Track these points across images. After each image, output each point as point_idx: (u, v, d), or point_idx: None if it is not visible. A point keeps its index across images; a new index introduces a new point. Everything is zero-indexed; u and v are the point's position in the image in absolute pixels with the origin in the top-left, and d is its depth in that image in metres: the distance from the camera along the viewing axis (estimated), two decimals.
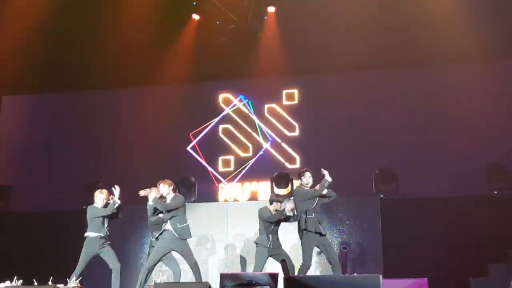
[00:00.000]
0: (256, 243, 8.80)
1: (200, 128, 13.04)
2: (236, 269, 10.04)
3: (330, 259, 8.37)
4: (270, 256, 8.77)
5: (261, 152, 12.67)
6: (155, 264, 8.46)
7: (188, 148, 12.96)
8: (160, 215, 8.50)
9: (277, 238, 8.81)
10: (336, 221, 10.26)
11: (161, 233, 8.38)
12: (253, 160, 12.66)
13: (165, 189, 8.48)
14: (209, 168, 12.79)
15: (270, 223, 8.71)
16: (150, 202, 8.51)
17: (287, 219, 8.75)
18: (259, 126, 12.82)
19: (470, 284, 8.97)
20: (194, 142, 12.97)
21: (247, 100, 13.07)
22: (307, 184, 8.45)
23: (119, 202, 8.51)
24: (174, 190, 8.54)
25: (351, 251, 9.85)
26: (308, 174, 8.49)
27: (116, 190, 8.53)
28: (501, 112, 11.45)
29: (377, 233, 10.01)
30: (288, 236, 9.43)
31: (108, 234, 8.59)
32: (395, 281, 7.84)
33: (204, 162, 12.86)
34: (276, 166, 12.27)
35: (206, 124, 13.07)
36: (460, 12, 10.71)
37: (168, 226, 8.32)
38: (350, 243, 10.00)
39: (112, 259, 8.50)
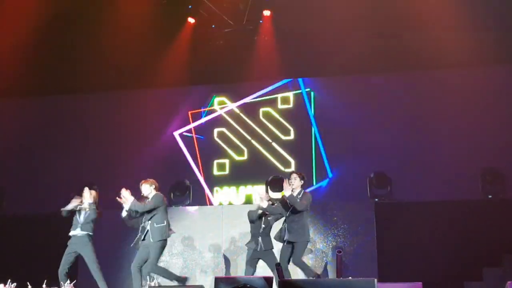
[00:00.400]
0: (247, 246, 8.85)
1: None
2: (231, 272, 10.03)
3: (295, 264, 8.35)
4: (260, 258, 8.79)
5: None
6: (141, 263, 8.39)
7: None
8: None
9: (269, 241, 8.82)
10: (331, 225, 10.26)
11: (145, 234, 8.33)
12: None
13: (146, 188, 8.41)
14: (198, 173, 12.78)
15: (259, 225, 8.79)
16: (126, 208, 8.37)
17: (263, 216, 8.84)
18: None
19: None
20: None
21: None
22: (292, 186, 8.41)
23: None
24: (156, 189, 8.44)
25: (345, 255, 9.84)
26: (293, 176, 8.47)
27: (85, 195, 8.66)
28: (495, 117, 11.48)
29: (372, 237, 10.02)
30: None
31: (84, 234, 8.59)
32: (390, 285, 7.83)
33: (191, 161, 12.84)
34: (271, 170, 12.26)
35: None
36: (454, 17, 10.74)
37: (148, 226, 8.27)
38: (344, 247, 10.00)
39: (88, 260, 8.48)
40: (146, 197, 8.41)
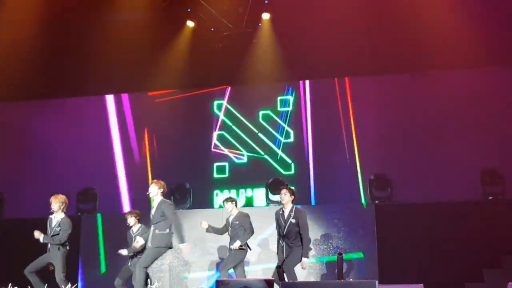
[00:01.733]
0: None
1: None
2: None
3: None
4: None
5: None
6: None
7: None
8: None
9: (235, 242, 9.04)
10: (332, 227, 10.26)
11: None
12: None
13: (154, 190, 8.05)
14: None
15: (227, 228, 9.29)
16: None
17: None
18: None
19: None
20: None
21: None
22: (283, 201, 8.38)
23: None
24: (163, 193, 8.07)
25: (346, 257, 9.84)
26: (283, 191, 8.42)
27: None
28: (495, 118, 11.49)
29: (373, 239, 10.01)
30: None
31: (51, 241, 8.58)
32: (391, 287, 7.84)
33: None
34: (271, 173, 12.26)
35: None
36: (453, 19, 10.76)
37: (151, 231, 7.95)
38: (345, 249, 10.00)
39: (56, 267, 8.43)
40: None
